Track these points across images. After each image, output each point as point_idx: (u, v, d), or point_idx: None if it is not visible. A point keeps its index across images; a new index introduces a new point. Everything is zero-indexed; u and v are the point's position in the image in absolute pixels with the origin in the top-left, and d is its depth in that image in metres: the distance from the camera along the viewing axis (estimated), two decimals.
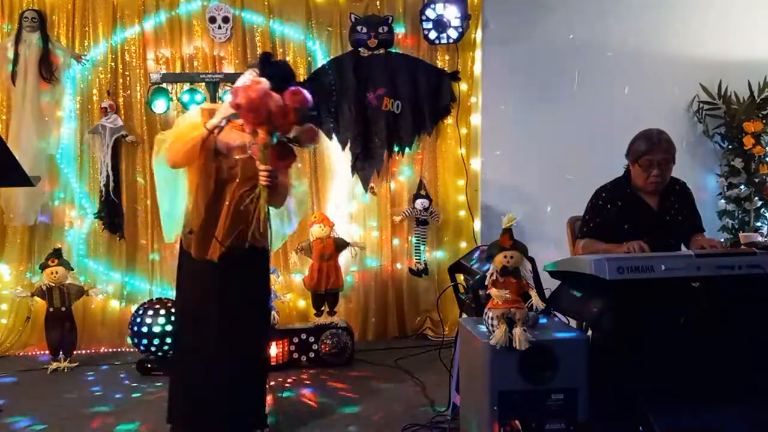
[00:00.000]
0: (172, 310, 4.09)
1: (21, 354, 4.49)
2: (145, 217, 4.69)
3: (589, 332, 2.88)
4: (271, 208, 2.73)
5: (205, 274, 2.75)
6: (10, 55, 4.46)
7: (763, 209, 4.93)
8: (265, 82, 2.42)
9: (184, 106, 4.47)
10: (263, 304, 2.98)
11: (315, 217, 4.38)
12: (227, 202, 2.70)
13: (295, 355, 4.11)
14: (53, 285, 4.14)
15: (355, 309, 4.85)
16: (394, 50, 4.84)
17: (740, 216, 4.92)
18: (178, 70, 4.65)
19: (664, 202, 3.08)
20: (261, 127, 2.43)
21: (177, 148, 2.68)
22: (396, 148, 4.90)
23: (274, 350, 4.03)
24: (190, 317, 2.81)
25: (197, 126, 2.65)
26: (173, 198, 2.87)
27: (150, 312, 4.07)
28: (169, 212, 2.90)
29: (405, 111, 4.82)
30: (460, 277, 3.33)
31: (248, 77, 2.54)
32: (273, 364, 4.02)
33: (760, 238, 4.56)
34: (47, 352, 4.22)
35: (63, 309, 4.16)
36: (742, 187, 4.88)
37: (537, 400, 2.45)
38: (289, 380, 3.86)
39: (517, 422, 2.42)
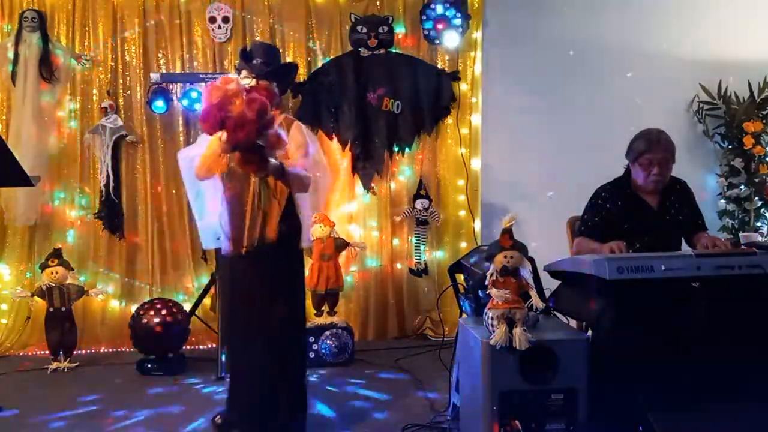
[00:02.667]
0: (174, 310, 4.09)
1: (21, 354, 4.49)
2: (145, 217, 4.69)
3: (589, 332, 2.88)
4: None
5: (238, 268, 2.83)
6: (10, 55, 4.46)
7: (763, 209, 4.93)
8: (233, 83, 2.38)
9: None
10: (282, 300, 2.82)
11: (315, 217, 4.37)
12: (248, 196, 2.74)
13: None
14: (53, 285, 4.13)
15: (355, 309, 4.85)
16: (394, 50, 4.84)
17: (740, 216, 4.92)
18: (178, 70, 4.65)
19: (664, 201, 3.08)
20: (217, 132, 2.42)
21: (200, 164, 2.82)
22: (396, 148, 4.90)
23: None
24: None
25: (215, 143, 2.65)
26: (201, 209, 2.98)
27: (150, 312, 4.06)
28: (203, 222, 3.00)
29: (405, 111, 4.82)
30: (460, 277, 3.33)
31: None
32: None
33: (760, 238, 4.56)
34: (47, 352, 4.21)
35: (63, 309, 4.16)
36: (742, 187, 4.88)
37: (537, 400, 2.45)
38: None
39: (517, 422, 2.42)
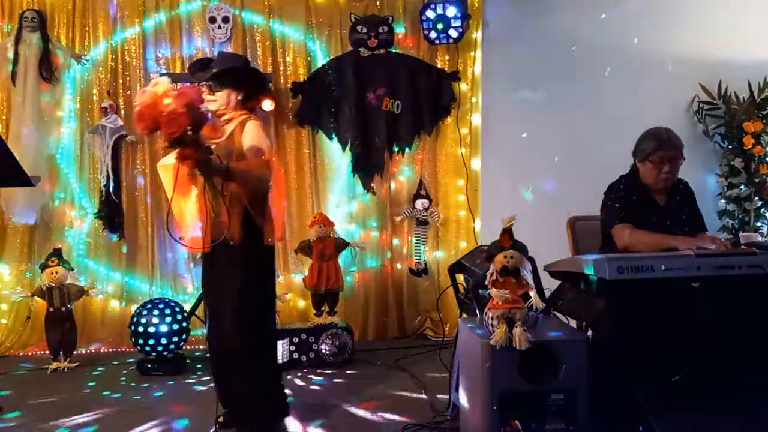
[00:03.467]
0: (174, 310, 4.10)
1: (21, 354, 4.49)
2: (145, 217, 4.70)
3: (589, 332, 2.88)
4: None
5: (206, 267, 2.99)
6: (10, 55, 4.46)
7: (763, 209, 4.93)
8: (161, 84, 2.41)
9: None
10: (235, 302, 2.82)
11: (315, 217, 4.38)
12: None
13: (295, 355, 4.11)
14: (53, 285, 4.14)
15: (355, 309, 4.85)
16: (394, 50, 4.84)
17: (740, 216, 4.92)
18: (178, 70, 4.65)
19: (670, 200, 3.08)
20: (155, 133, 2.47)
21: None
22: (396, 148, 4.90)
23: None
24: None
25: None
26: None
27: (150, 312, 4.06)
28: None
29: (405, 111, 4.82)
30: (460, 277, 3.33)
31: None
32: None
33: (760, 238, 4.56)
34: (47, 352, 4.21)
35: (63, 309, 4.16)
36: (742, 187, 4.88)
37: (537, 400, 2.45)
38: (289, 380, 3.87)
39: (517, 422, 2.42)
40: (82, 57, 4.60)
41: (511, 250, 2.46)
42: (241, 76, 2.88)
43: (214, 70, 2.81)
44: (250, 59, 4.69)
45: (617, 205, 3.08)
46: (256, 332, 2.87)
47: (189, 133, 2.37)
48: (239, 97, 2.85)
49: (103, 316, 4.67)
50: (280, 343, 4.06)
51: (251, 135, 2.76)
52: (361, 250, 4.67)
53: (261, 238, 2.81)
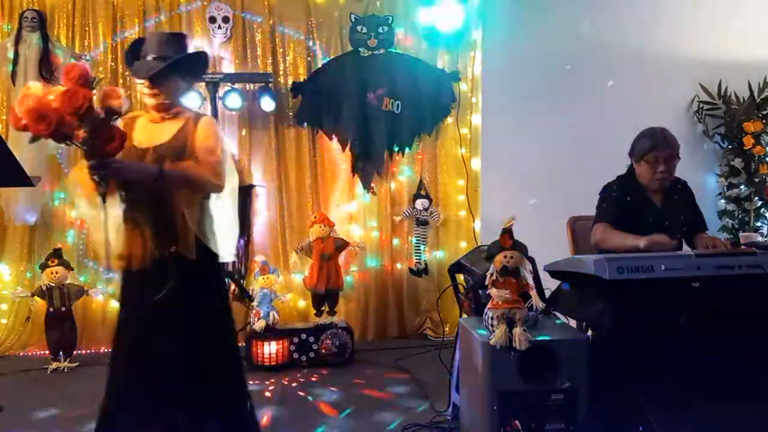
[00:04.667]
0: None
1: (21, 354, 4.49)
2: None
3: (589, 332, 2.88)
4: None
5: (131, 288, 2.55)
6: (10, 55, 4.46)
7: (763, 209, 4.93)
8: (34, 84, 2.17)
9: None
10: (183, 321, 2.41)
11: (315, 217, 4.38)
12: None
13: (295, 355, 4.11)
14: (53, 285, 4.14)
15: (355, 309, 4.85)
16: (394, 50, 4.84)
17: (740, 216, 4.92)
18: None
19: (667, 200, 3.08)
20: (60, 129, 2.14)
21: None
22: (396, 148, 4.90)
23: (273, 350, 4.05)
24: None
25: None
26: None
27: None
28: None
29: (405, 111, 4.82)
30: (460, 277, 3.33)
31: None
32: (273, 364, 4.03)
33: (760, 238, 4.56)
34: (47, 352, 4.21)
35: (63, 309, 4.16)
36: (742, 187, 4.88)
37: (537, 400, 2.45)
38: (289, 380, 3.87)
39: (517, 422, 2.42)
40: (82, 57, 4.60)
41: (511, 250, 2.47)
42: (186, 61, 2.42)
43: (161, 65, 2.33)
44: (249, 59, 4.72)
45: (604, 204, 3.09)
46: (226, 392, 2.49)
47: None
48: (185, 85, 2.47)
49: (103, 316, 4.66)
50: (280, 342, 4.07)
51: (205, 134, 2.38)
52: (361, 250, 4.67)
53: (215, 257, 2.41)
